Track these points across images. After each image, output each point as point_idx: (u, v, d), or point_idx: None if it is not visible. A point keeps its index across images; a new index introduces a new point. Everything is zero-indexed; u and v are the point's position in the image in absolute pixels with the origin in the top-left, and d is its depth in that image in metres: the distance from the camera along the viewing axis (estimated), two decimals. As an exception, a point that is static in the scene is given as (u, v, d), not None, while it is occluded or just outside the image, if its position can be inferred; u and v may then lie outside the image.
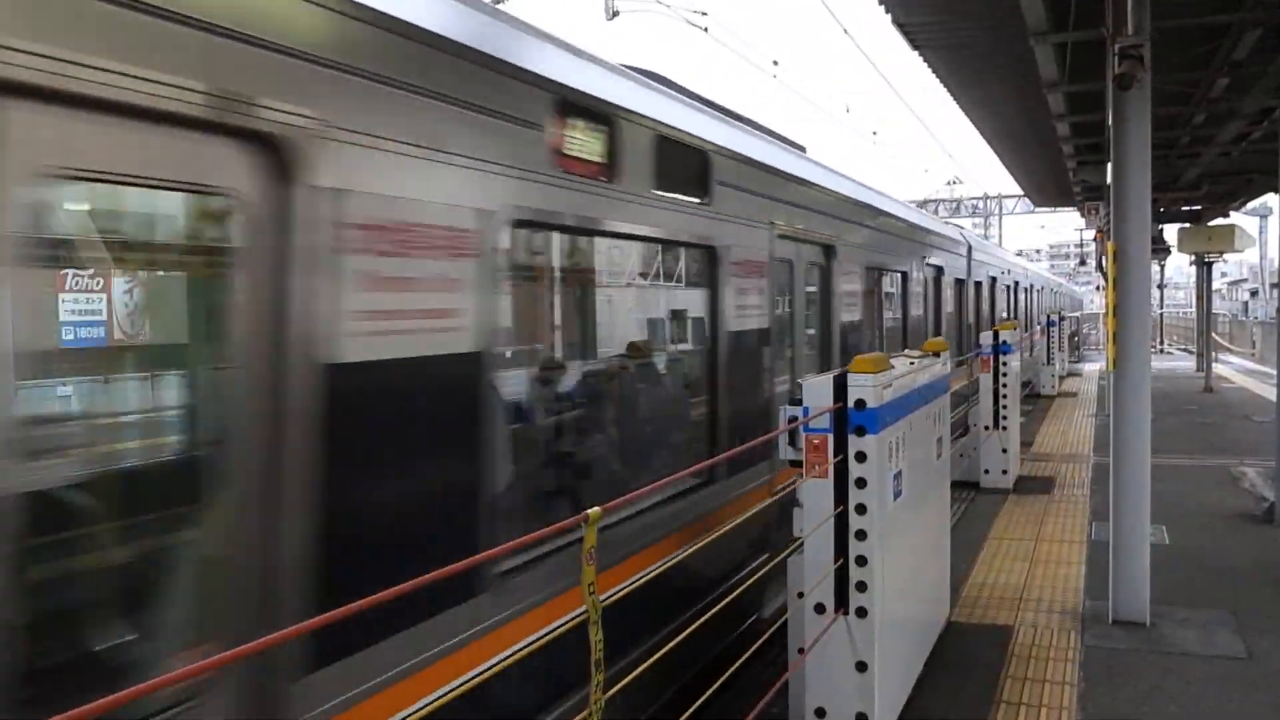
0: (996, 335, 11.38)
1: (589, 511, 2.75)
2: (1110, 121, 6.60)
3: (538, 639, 3.26)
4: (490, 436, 3.55)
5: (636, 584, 3.73)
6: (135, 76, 2.28)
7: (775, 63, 36.93)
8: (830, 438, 4.49)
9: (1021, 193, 33.76)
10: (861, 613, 4.46)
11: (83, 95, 2.19)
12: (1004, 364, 11.24)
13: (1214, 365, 23.19)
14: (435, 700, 2.97)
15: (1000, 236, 48.25)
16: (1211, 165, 16.15)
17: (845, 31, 17.98)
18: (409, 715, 2.95)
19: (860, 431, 4.46)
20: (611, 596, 3.19)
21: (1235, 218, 24.22)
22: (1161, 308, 42.12)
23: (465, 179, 3.44)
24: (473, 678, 3.22)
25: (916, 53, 10.33)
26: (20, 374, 2.16)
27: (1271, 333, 28.97)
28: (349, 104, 2.91)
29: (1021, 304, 23.24)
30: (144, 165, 2.40)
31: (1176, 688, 5.40)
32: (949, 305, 13.42)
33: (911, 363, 5.32)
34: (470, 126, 3.49)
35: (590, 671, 2.80)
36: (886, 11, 9.06)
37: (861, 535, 4.45)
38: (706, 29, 17.99)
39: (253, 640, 1.97)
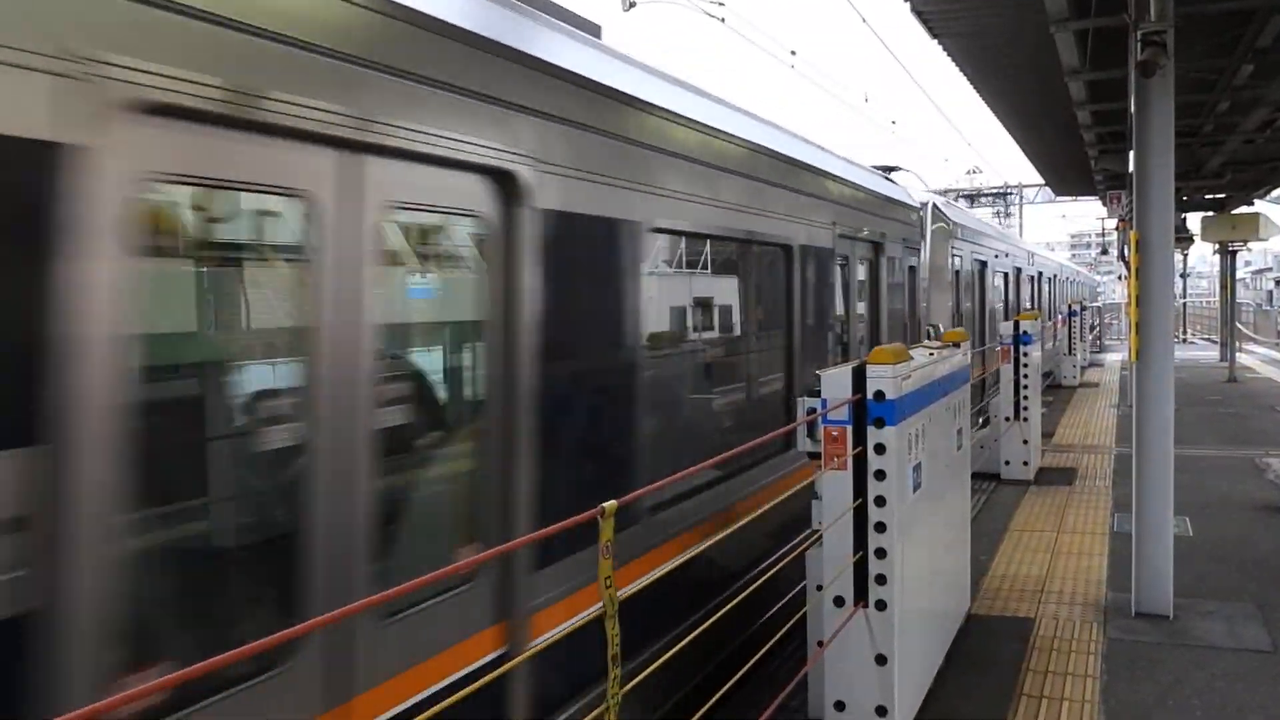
0: (1017, 325, 11.28)
1: (605, 505, 2.68)
2: (1132, 109, 6.53)
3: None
4: None
5: (661, 575, 3.72)
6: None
7: (793, 53, 36.75)
8: (849, 430, 4.47)
9: (1042, 182, 33.47)
10: (881, 605, 4.44)
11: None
12: (1025, 354, 11.16)
13: (1238, 355, 22.95)
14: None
15: (1020, 227, 47.84)
16: (1235, 153, 15.98)
17: (864, 20, 17.83)
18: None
19: (879, 423, 4.43)
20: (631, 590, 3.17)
21: (1259, 206, 23.89)
22: (1184, 297, 41.71)
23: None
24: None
25: (935, 41, 10.25)
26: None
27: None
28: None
29: (1055, 293, 28.71)
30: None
31: (1200, 681, 5.35)
32: (1021, 291, 20.35)
33: (931, 354, 5.28)
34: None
35: (608, 667, 2.79)
36: None
37: (881, 528, 4.43)
38: (724, 19, 17.88)
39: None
